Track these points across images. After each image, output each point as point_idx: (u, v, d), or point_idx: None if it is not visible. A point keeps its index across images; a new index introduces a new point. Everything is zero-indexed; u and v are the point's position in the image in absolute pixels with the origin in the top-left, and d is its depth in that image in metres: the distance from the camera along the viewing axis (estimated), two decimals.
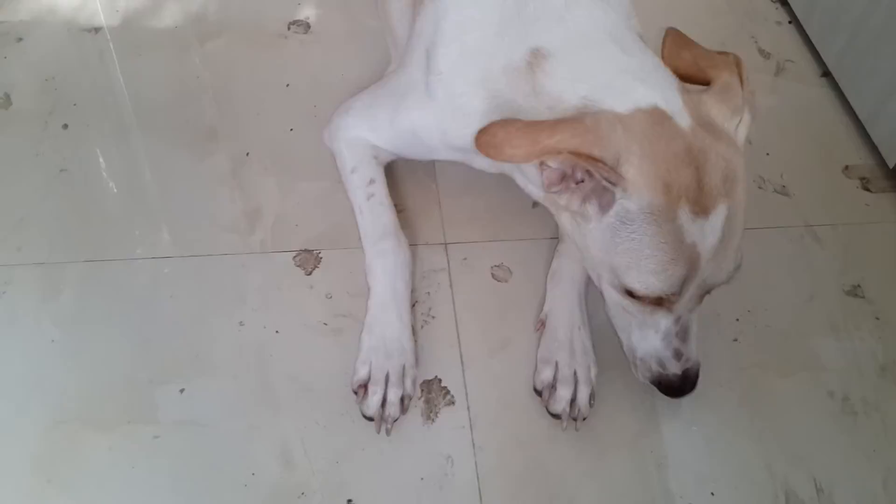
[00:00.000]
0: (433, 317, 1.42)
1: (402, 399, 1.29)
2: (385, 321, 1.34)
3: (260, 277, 1.45)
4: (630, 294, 1.15)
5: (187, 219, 1.53)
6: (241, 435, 1.26)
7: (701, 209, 1.06)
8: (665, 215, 1.06)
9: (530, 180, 1.29)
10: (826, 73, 1.94)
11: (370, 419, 1.27)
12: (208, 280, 1.44)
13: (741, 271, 1.16)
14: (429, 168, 1.63)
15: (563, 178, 1.11)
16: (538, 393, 1.33)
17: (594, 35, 1.19)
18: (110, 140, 1.65)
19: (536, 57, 1.19)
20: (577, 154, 1.05)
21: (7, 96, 1.71)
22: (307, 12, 1.96)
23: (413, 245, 1.46)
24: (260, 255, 1.48)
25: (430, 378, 1.35)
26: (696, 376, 1.23)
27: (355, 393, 1.29)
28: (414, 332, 1.36)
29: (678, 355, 1.21)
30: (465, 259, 1.51)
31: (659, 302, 1.15)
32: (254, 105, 1.74)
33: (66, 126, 1.66)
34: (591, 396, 1.32)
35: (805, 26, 2.03)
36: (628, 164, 1.06)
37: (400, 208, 1.51)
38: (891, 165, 1.72)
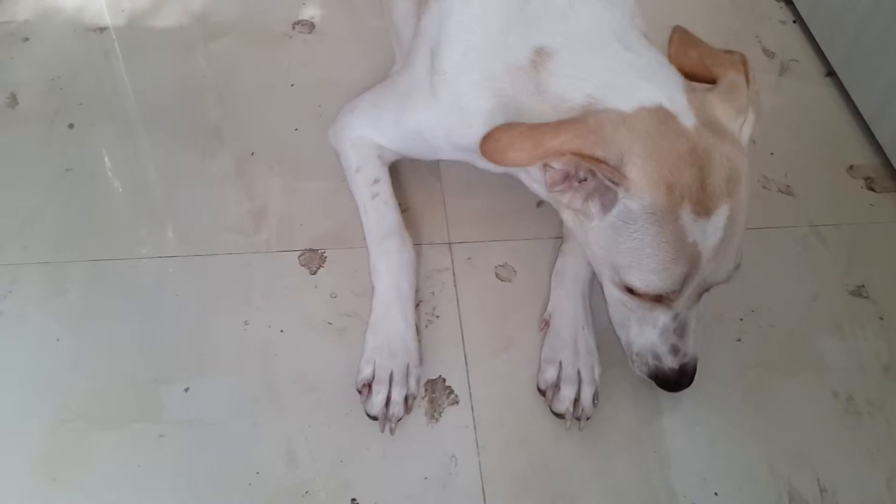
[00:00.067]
0: (437, 316, 1.42)
1: (406, 398, 1.29)
2: (389, 320, 1.35)
3: (265, 277, 1.45)
4: (630, 291, 1.16)
5: (192, 218, 1.53)
6: (246, 434, 1.27)
7: (703, 210, 1.06)
8: (667, 215, 1.06)
9: (535, 179, 1.29)
10: (830, 73, 1.94)
11: (374, 418, 1.27)
12: (213, 279, 1.44)
13: (743, 271, 1.16)
14: (433, 167, 1.63)
15: (566, 177, 1.12)
16: (542, 392, 1.33)
17: (598, 34, 1.19)
18: (116, 140, 1.66)
19: (540, 56, 1.19)
20: (580, 155, 1.05)
21: (13, 96, 1.72)
22: (312, 12, 1.97)
23: (417, 244, 1.47)
24: (265, 254, 1.49)
25: (433, 377, 1.35)
26: (694, 371, 1.24)
27: (359, 392, 1.29)
28: (418, 331, 1.36)
29: (675, 350, 1.21)
30: (469, 258, 1.51)
31: (658, 299, 1.16)
32: (259, 105, 1.74)
33: (71, 126, 1.67)
34: (595, 396, 1.32)
35: (809, 26, 2.03)
36: (631, 164, 1.06)
37: (404, 208, 1.52)
38: (895, 165, 1.72)
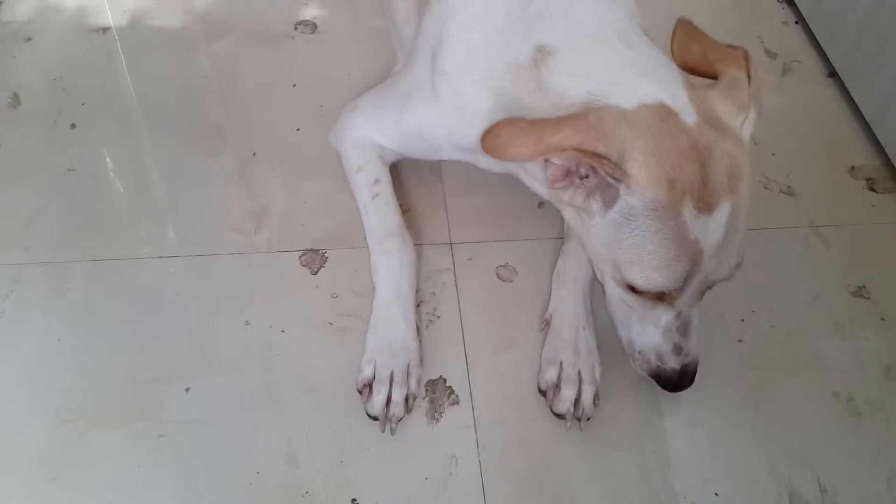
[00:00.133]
0: (438, 316, 1.42)
1: (406, 398, 1.29)
2: (390, 321, 1.35)
3: (266, 277, 1.45)
4: (632, 289, 1.15)
5: (194, 218, 1.53)
6: (246, 434, 1.27)
7: (705, 206, 1.06)
8: (669, 212, 1.06)
9: (535, 178, 1.29)
10: (833, 74, 1.94)
11: (375, 418, 1.27)
12: (214, 279, 1.45)
13: (744, 271, 1.16)
14: (434, 168, 1.63)
15: (567, 174, 1.12)
16: (542, 393, 1.33)
17: (599, 31, 1.19)
18: (118, 140, 1.66)
19: (541, 54, 1.19)
20: (581, 150, 1.05)
21: (16, 96, 1.72)
22: (314, 12, 1.97)
23: (418, 245, 1.47)
24: (266, 254, 1.49)
25: (434, 377, 1.35)
26: (695, 372, 1.24)
27: (360, 392, 1.29)
28: (419, 331, 1.36)
29: (678, 350, 1.21)
30: (470, 259, 1.51)
31: (660, 297, 1.15)
32: (260, 105, 1.74)
33: (73, 126, 1.67)
34: (596, 396, 1.32)
35: (811, 26, 2.03)
36: (632, 161, 1.06)
37: (405, 208, 1.52)
38: None
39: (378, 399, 1.27)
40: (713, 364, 1.35)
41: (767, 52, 1.99)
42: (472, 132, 1.25)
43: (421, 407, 1.31)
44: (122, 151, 1.64)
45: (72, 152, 1.62)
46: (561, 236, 1.51)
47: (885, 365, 1.42)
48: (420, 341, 1.35)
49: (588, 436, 1.30)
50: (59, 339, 1.35)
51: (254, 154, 1.64)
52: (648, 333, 1.22)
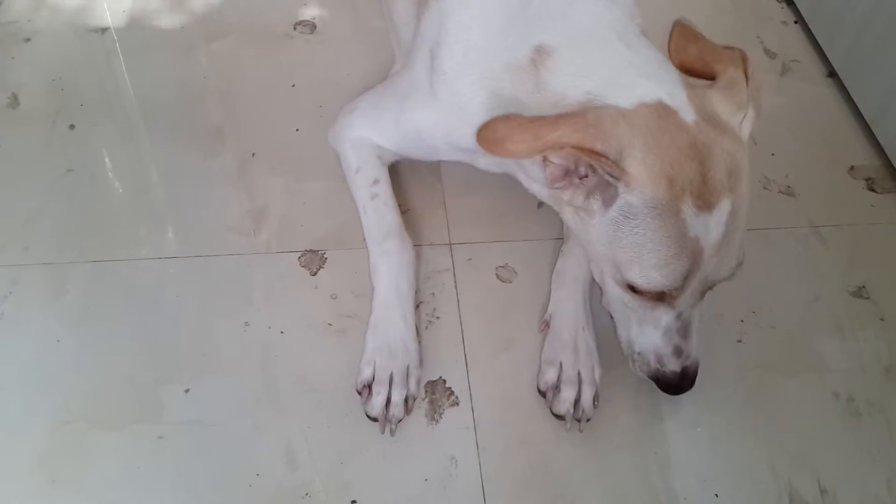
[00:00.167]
0: (437, 317, 1.42)
1: (406, 399, 1.29)
2: (389, 321, 1.35)
3: (265, 278, 1.45)
4: (632, 289, 1.15)
5: (193, 219, 1.53)
6: (246, 435, 1.27)
7: (705, 204, 1.06)
8: (668, 209, 1.05)
9: (534, 179, 1.29)
10: (832, 74, 1.93)
11: (374, 420, 1.27)
12: (214, 280, 1.44)
13: (744, 269, 1.15)
14: (433, 168, 1.63)
15: (567, 173, 1.11)
16: (542, 394, 1.33)
17: (598, 31, 1.19)
18: (117, 140, 1.66)
19: (540, 54, 1.19)
20: (580, 148, 1.05)
21: (14, 96, 1.72)
22: (313, 13, 1.97)
23: (417, 245, 1.47)
24: (265, 255, 1.49)
25: (434, 379, 1.35)
26: (695, 374, 1.23)
27: (359, 393, 1.29)
28: (418, 332, 1.36)
29: (678, 352, 1.20)
30: (469, 259, 1.51)
31: (660, 297, 1.15)
32: (260, 105, 1.74)
33: (72, 126, 1.67)
34: (595, 397, 1.31)
35: (811, 26, 2.03)
36: (631, 159, 1.05)
37: (404, 208, 1.52)
38: None
39: (378, 400, 1.27)
40: (713, 365, 1.35)
41: (767, 51, 1.99)
42: (470, 132, 1.24)
43: (420, 408, 1.31)
44: (121, 152, 1.64)
45: (71, 153, 1.62)
46: (560, 237, 1.51)
47: (885, 365, 1.42)
48: (419, 342, 1.35)
49: (588, 437, 1.30)
50: (58, 340, 1.35)
51: (253, 154, 1.64)
52: (648, 334, 1.21)
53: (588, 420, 1.30)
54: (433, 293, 1.45)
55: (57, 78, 1.76)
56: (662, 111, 1.08)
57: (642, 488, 1.26)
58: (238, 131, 1.68)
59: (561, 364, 1.32)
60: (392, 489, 1.23)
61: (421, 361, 1.34)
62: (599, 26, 1.19)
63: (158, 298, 1.41)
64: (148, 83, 1.78)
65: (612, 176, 1.06)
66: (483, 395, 1.33)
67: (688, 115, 1.09)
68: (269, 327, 1.39)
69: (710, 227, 1.07)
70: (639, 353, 1.24)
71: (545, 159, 1.10)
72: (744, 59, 1.17)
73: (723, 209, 1.07)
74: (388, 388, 1.28)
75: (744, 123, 1.14)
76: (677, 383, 1.22)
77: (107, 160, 1.62)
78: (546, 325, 1.39)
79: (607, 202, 1.10)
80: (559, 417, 1.30)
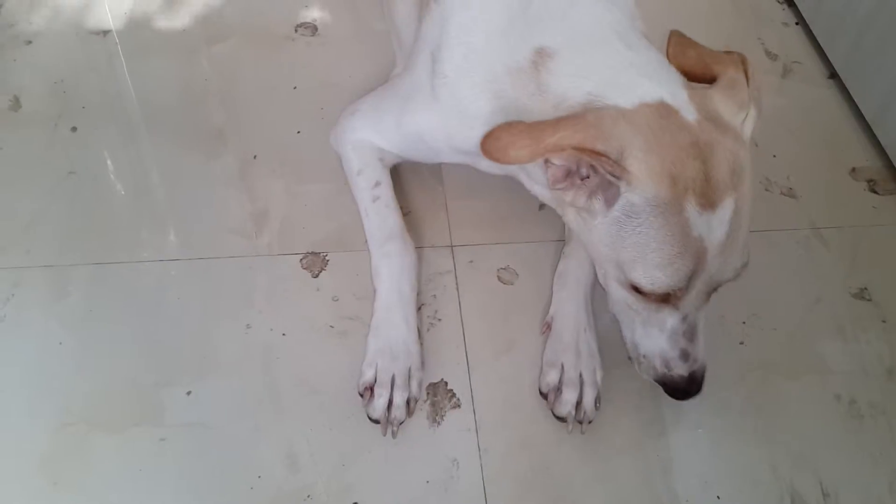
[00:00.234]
0: (439, 319, 1.42)
1: (407, 402, 1.29)
2: (391, 324, 1.35)
3: (267, 280, 1.45)
4: (636, 290, 1.14)
5: (194, 221, 1.53)
6: (248, 437, 1.27)
7: (708, 202, 1.05)
8: (671, 208, 1.05)
9: (535, 181, 1.29)
10: (833, 75, 1.93)
11: (376, 422, 1.27)
12: (215, 282, 1.44)
13: (748, 271, 1.15)
14: (435, 170, 1.63)
15: (568, 174, 1.11)
16: (544, 396, 1.33)
17: (598, 33, 1.19)
18: (118, 143, 1.66)
19: (541, 56, 1.19)
20: (580, 149, 1.05)
21: (16, 99, 1.72)
22: (314, 15, 1.97)
23: (419, 247, 1.47)
24: (267, 257, 1.49)
25: (435, 381, 1.35)
26: (703, 378, 1.22)
27: (361, 395, 1.29)
28: (420, 334, 1.36)
29: (685, 356, 1.20)
30: (471, 261, 1.51)
31: (665, 298, 1.14)
32: (261, 107, 1.74)
33: (74, 129, 1.67)
34: (597, 399, 1.31)
35: (812, 27, 2.03)
36: (632, 158, 1.05)
37: (406, 211, 1.52)
38: None
39: (379, 402, 1.27)
40: (715, 366, 1.34)
41: (768, 53, 1.99)
42: (472, 135, 1.24)
43: (422, 410, 1.31)
44: (122, 154, 1.64)
45: (73, 155, 1.62)
46: (562, 239, 1.51)
47: (887, 367, 1.42)
48: (421, 344, 1.35)
49: (589, 439, 1.30)
50: (60, 343, 1.35)
51: (254, 157, 1.64)
52: (653, 337, 1.21)
53: (590, 422, 1.30)
54: (435, 295, 1.45)
55: (59, 80, 1.76)
56: (664, 111, 1.08)
57: (644, 490, 1.26)
58: (239, 133, 1.68)
59: (563, 366, 1.32)
60: (394, 491, 1.23)
61: (423, 363, 1.34)
62: (600, 27, 1.19)
63: (160, 301, 1.41)
64: (149, 85, 1.78)
65: (613, 175, 1.06)
66: (485, 396, 1.33)
67: (689, 114, 1.09)
68: (271, 329, 1.39)
69: (713, 227, 1.07)
70: (644, 356, 1.23)
71: (547, 161, 1.10)
72: (743, 62, 1.17)
73: (726, 208, 1.07)
74: (389, 391, 1.28)
75: (745, 123, 1.14)
76: (685, 388, 1.21)
77: (108, 162, 1.62)
78: (548, 327, 1.39)
79: (609, 202, 1.10)
80: (561, 419, 1.30)
